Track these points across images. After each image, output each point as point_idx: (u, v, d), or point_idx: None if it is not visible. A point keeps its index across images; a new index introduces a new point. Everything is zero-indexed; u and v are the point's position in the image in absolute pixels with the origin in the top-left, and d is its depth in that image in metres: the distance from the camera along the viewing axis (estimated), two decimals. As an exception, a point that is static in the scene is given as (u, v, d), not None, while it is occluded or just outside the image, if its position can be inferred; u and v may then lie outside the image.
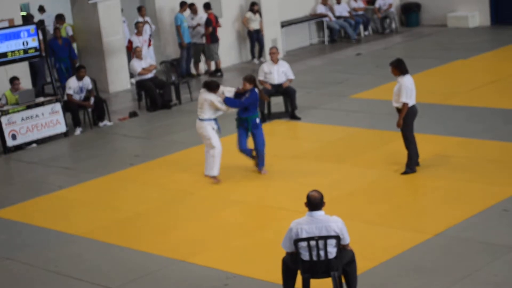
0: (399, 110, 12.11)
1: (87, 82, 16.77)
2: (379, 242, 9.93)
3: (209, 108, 12.39)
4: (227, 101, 12.41)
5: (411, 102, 12.01)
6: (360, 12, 24.55)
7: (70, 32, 19.66)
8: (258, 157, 12.85)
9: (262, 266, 9.47)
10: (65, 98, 16.67)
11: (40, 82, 18.74)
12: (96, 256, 10.40)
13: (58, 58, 18.87)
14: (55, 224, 11.63)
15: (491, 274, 8.80)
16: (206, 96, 12.37)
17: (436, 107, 15.83)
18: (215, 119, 12.54)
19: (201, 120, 12.48)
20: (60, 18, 19.83)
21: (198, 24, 20.54)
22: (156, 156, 14.26)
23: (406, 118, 12.04)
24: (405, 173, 12.19)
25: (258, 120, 12.72)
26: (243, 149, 12.84)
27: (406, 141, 12.26)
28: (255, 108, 12.70)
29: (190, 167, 13.54)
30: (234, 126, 14.66)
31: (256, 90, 12.62)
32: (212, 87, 12.39)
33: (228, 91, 12.65)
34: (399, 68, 12.11)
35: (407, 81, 12.02)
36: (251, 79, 12.59)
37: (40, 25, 16.63)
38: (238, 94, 12.63)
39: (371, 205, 11.30)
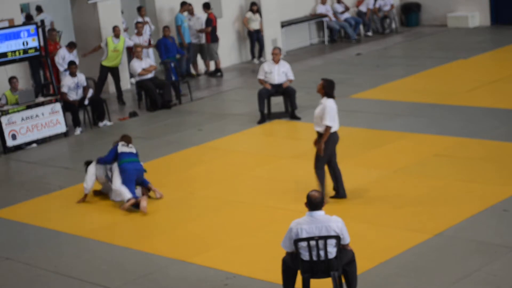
0: (321, 135, 11.03)
1: (82, 78, 16.80)
2: (379, 242, 9.92)
3: None
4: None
5: (334, 127, 10.99)
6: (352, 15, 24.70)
7: (131, 42, 19.23)
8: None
9: (262, 266, 9.46)
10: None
11: (36, 82, 18.68)
12: (96, 256, 10.39)
13: (168, 56, 18.90)
14: (55, 224, 11.63)
15: (491, 274, 8.79)
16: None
17: (436, 107, 15.82)
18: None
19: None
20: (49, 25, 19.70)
21: (202, 30, 20.49)
22: (155, 156, 14.25)
23: (326, 144, 11.01)
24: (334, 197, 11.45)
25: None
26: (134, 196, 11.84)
27: (316, 169, 11.14)
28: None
29: (189, 167, 13.55)
30: (232, 125, 14.72)
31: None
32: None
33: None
34: (329, 89, 10.94)
35: (332, 103, 10.94)
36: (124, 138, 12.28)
37: (41, 25, 16.62)
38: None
39: (371, 205, 11.29)
